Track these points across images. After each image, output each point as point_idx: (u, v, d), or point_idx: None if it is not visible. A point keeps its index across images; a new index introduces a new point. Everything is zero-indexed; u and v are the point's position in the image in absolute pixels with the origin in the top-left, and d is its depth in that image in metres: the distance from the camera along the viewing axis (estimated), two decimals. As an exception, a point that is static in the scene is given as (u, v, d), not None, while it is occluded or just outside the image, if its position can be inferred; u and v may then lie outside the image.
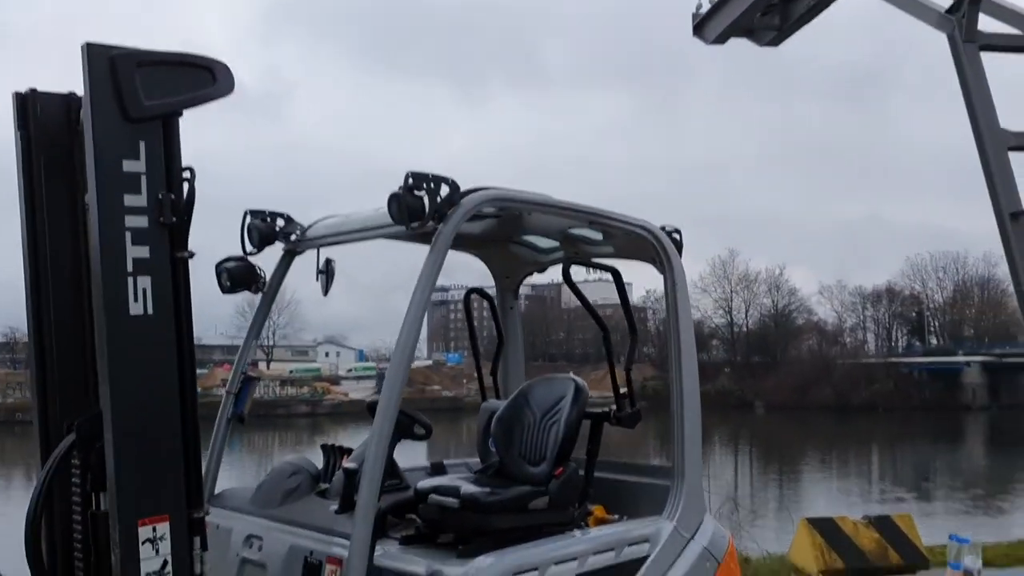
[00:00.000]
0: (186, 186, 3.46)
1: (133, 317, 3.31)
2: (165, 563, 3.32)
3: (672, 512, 4.53)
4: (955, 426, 62.50)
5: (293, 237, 4.84)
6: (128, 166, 3.29)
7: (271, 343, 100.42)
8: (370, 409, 3.92)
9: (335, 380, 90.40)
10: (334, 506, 3.89)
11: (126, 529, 3.25)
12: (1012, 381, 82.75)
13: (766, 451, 45.95)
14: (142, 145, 3.31)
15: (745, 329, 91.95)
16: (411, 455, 5.36)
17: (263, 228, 4.76)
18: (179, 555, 3.35)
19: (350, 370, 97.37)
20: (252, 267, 4.74)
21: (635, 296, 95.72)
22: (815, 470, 36.90)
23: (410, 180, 3.80)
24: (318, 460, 4.74)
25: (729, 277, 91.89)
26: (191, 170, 3.46)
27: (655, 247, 4.69)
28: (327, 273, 4.72)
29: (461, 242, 5.38)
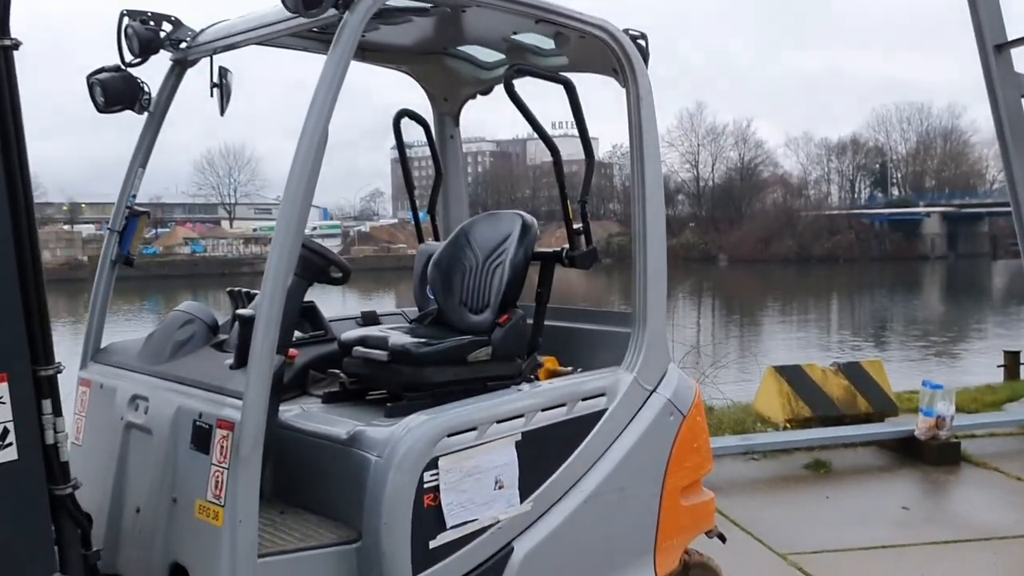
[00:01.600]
0: None
1: None
2: (4, 432, 2.67)
3: (632, 362, 3.96)
4: (913, 276, 63.35)
5: (183, 45, 4.01)
6: None
7: (233, 201, 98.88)
8: None
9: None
10: (230, 360, 3.25)
11: None
12: (970, 231, 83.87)
13: (728, 303, 46.24)
14: None
15: (711, 183, 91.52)
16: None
17: (145, 33, 3.91)
18: (23, 422, 2.71)
19: (314, 228, 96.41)
20: (133, 80, 3.92)
21: (600, 152, 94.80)
22: (776, 320, 37.19)
23: None
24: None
25: (696, 130, 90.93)
26: None
27: (616, 54, 3.94)
28: (221, 87, 3.92)
29: (388, 55, 4.60)
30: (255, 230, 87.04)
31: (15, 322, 2.70)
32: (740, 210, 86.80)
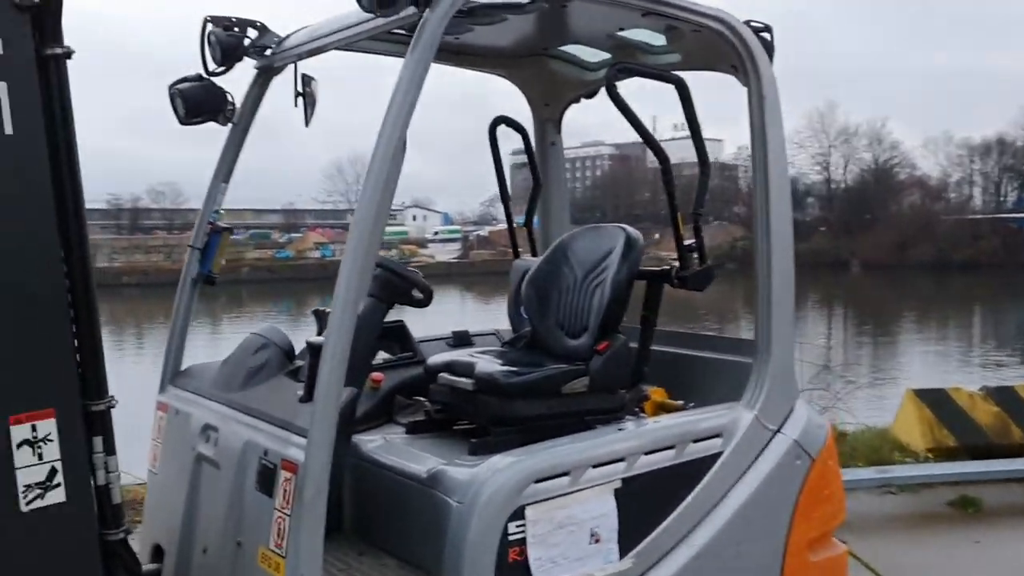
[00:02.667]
0: None
1: None
2: (52, 472, 2.46)
3: (753, 398, 3.51)
4: (1067, 285, 59.16)
5: (268, 52, 3.78)
6: None
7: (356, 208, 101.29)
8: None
9: (422, 243, 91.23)
10: (301, 391, 2.98)
11: None
12: None
13: (861, 313, 44.20)
14: None
15: (843, 185, 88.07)
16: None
17: (228, 40, 3.70)
18: (72, 461, 2.50)
19: (436, 233, 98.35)
20: (216, 90, 3.72)
21: (725, 153, 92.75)
22: (912, 332, 35.26)
23: None
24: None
25: (827, 131, 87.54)
26: None
27: (736, 49, 3.49)
28: (305, 95, 3.67)
29: (484, 58, 4.28)
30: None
31: (63, 353, 2.49)
32: (874, 214, 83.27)
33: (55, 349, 2.46)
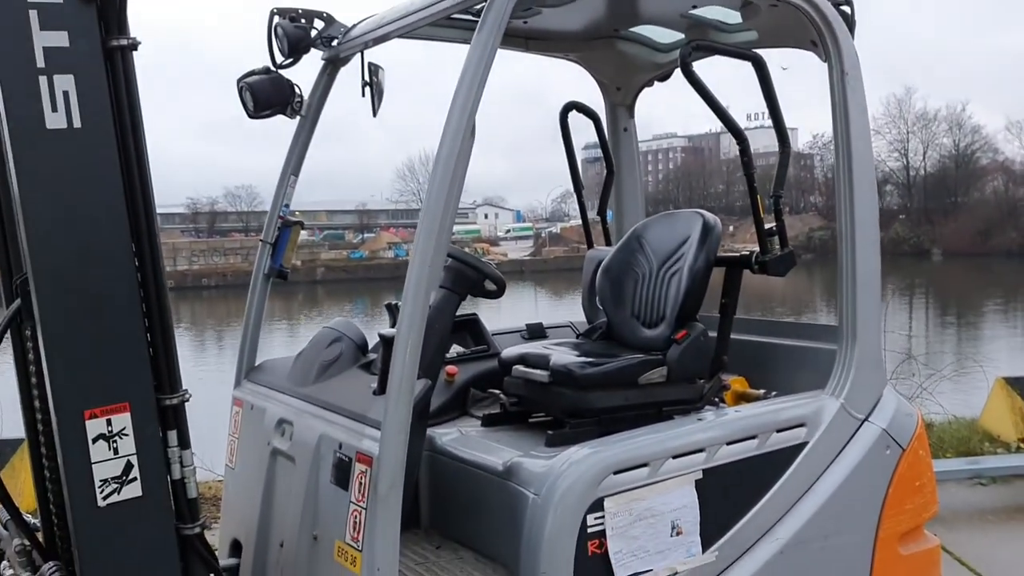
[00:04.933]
0: None
1: (52, 132, 2.37)
2: (128, 466, 2.46)
3: (838, 385, 3.36)
4: None
5: (335, 42, 3.76)
6: None
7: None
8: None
9: (494, 241, 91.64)
10: (375, 384, 2.94)
11: (69, 422, 2.40)
12: None
13: (944, 302, 42.88)
14: None
15: (923, 172, 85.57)
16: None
17: (295, 32, 3.69)
18: (147, 455, 2.50)
19: (508, 231, 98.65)
20: (284, 82, 3.71)
21: (800, 142, 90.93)
22: (998, 321, 34.05)
23: None
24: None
25: (905, 117, 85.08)
26: None
27: (816, 23, 3.35)
28: (372, 85, 3.64)
29: (554, 42, 4.20)
30: (452, 234, 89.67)
31: (137, 346, 2.49)
32: (956, 200, 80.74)
33: (127, 344, 2.46)
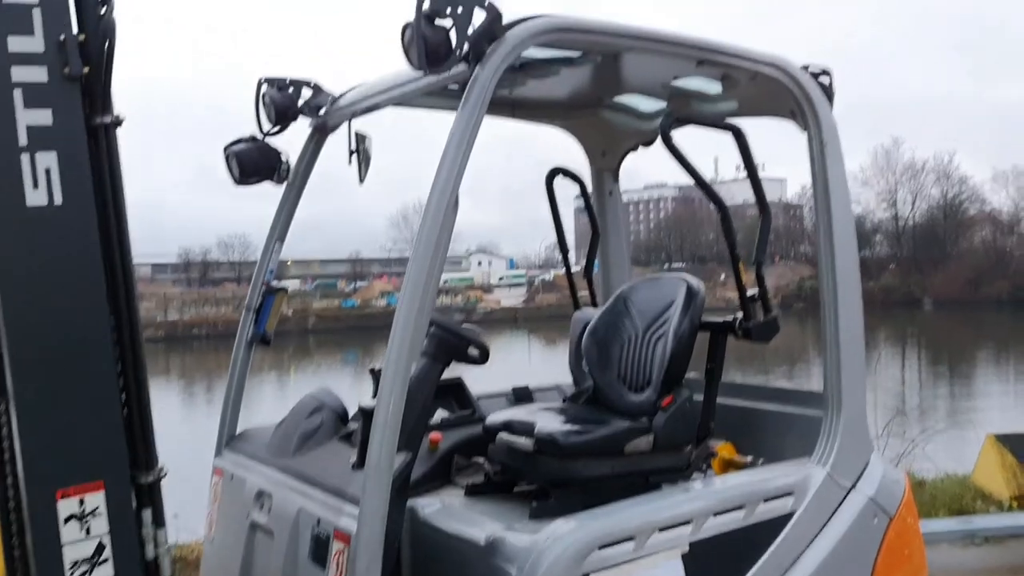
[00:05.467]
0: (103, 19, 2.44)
1: (32, 209, 2.36)
2: (100, 547, 2.41)
3: (824, 453, 3.34)
4: None
5: (322, 111, 3.79)
6: None
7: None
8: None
9: (487, 288, 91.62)
10: (355, 456, 2.91)
11: (40, 501, 2.36)
12: None
13: (935, 352, 42.93)
14: None
15: (911, 222, 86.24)
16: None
17: (282, 101, 3.72)
18: (121, 535, 2.45)
19: (501, 278, 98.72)
20: (270, 150, 3.73)
21: (790, 193, 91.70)
22: (990, 371, 34.05)
23: (427, 2, 2.65)
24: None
25: (893, 167, 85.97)
26: None
27: (795, 95, 3.39)
28: (359, 153, 3.66)
29: (540, 110, 4.24)
30: (445, 281, 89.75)
31: (113, 423, 2.47)
32: (945, 250, 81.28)
33: (104, 421, 2.44)
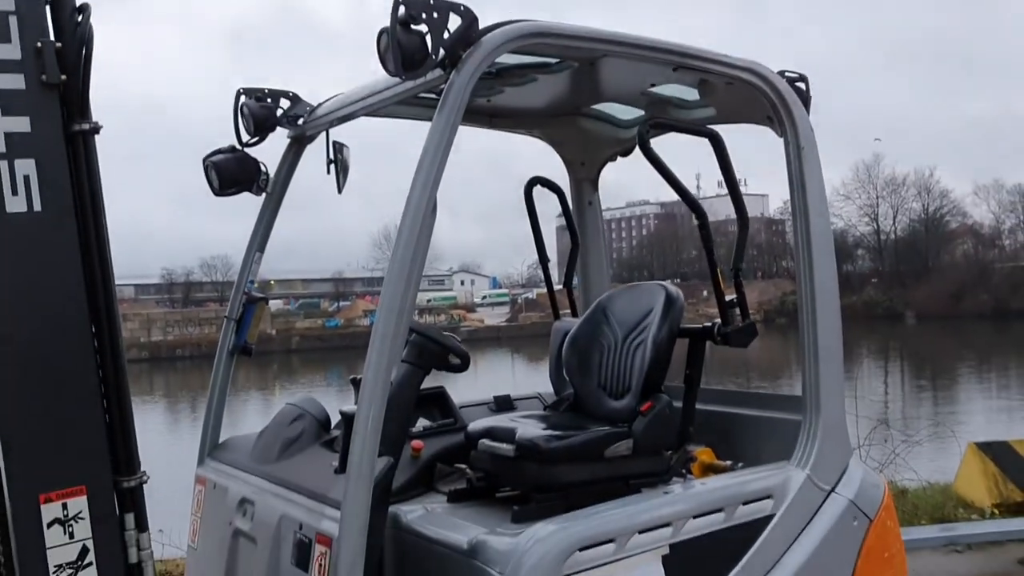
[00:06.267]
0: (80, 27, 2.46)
1: (12, 216, 2.37)
2: (84, 551, 2.41)
3: (804, 456, 3.37)
4: None
5: (300, 121, 3.81)
6: None
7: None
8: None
9: (471, 307, 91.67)
10: (336, 462, 2.92)
11: (24, 505, 2.36)
12: None
13: (918, 365, 43.19)
14: None
15: (893, 236, 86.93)
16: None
17: (260, 112, 3.75)
18: (104, 539, 2.45)
19: (484, 297, 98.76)
20: (249, 161, 3.75)
21: (772, 208, 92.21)
22: (972, 383, 34.28)
23: (402, 8, 2.69)
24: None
25: (874, 182, 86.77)
26: (86, 6, 2.45)
27: (771, 100, 3.44)
28: (337, 163, 3.68)
29: (517, 119, 4.27)
30: (429, 300, 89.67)
31: (95, 428, 2.47)
32: (927, 264, 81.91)
33: (86, 426, 2.44)
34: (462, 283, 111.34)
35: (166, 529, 5.68)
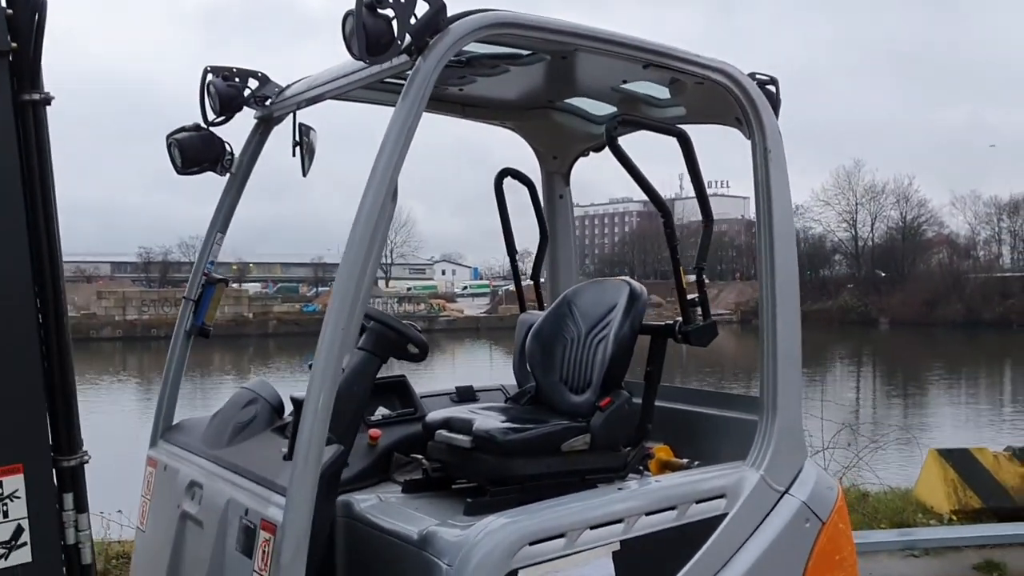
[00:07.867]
0: None
1: None
2: (19, 530, 2.37)
3: (759, 457, 3.38)
4: (1100, 344, 57.88)
5: (268, 102, 3.76)
6: None
7: (389, 261, 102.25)
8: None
9: (451, 297, 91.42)
10: (286, 448, 2.89)
11: None
12: None
13: (889, 370, 43.53)
14: None
15: (871, 243, 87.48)
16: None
17: (227, 91, 3.69)
18: (40, 519, 2.41)
19: (465, 287, 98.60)
20: (214, 140, 3.70)
21: (749, 211, 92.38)
22: (942, 391, 34.60)
23: None
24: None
25: (854, 188, 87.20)
26: None
27: (740, 101, 3.43)
28: (303, 145, 3.64)
29: (490, 110, 4.25)
30: (409, 289, 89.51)
31: (35, 405, 2.42)
32: (902, 271, 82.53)
33: (25, 403, 2.39)
34: (443, 273, 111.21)
35: (125, 510, 5.63)
